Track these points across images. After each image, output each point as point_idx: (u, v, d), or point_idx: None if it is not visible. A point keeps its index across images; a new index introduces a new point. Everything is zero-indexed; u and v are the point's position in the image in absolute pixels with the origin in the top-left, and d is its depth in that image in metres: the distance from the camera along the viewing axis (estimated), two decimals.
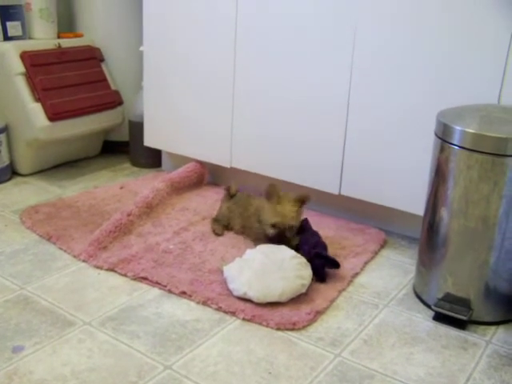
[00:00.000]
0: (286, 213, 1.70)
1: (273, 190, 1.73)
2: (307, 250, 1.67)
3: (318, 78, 1.89)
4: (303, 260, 1.60)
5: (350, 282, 1.67)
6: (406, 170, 1.81)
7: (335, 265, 1.65)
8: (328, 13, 1.82)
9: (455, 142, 1.43)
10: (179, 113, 2.28)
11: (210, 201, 2.16)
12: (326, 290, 1.60)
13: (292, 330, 1.44)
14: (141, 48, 2.37)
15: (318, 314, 1.50)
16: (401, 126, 1.79)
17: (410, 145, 1.78)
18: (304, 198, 1.74)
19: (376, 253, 1.84)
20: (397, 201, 1.85)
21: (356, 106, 1.85)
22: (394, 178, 1.84)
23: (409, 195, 1.81)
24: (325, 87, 1.89)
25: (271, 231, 1.73)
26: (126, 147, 2.66)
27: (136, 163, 2.60)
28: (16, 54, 2.26)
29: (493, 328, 1.50)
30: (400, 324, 1.49)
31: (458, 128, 1.42)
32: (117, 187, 2.27)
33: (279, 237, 1.72)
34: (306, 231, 1.78)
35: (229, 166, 2.19)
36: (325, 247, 1.71)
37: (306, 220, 1.83)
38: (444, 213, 1.49)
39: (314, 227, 1.80)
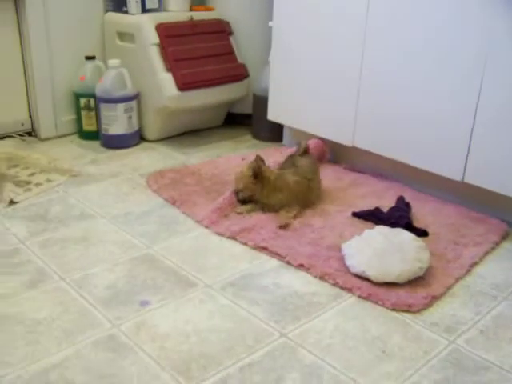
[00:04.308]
0: (238, 179, 1.92)
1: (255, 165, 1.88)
2: (385, 219, 1.82)
3: (447, 51, 1.85)
4: (423, 243, 1.59)
5: (469, 271, 1.64)
6: None
7: (422, 233, 1.77)
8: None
9: None
10: (304, 89, 2.30)
11: (328, 178, 2.17)
12: (443, 276, 1.58)
13: (407, 311, 1.44)
14: (270, 23, 2.40)
15: (434, 299, 1.49)
16: None
17: None
18: (254, 165, 1.86)
19: (497, 244, 1.79)
20: None
21: (490, 83, 1.78)
22: None
23: None
24: (451, 65, 1.84)
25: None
26: (249, 120, 2.72)
27: (257, 136, 2.65)
28: (152, 26, 2.36)
29: None
30: None
31: None
32: (238, 158, 2.33)
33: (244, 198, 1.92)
34: (394, 207, 1.90)
35: (351, 145, 2.19)
36: (408, 219, 1.82)
37: (400, 197, 1.96)
38: None
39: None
